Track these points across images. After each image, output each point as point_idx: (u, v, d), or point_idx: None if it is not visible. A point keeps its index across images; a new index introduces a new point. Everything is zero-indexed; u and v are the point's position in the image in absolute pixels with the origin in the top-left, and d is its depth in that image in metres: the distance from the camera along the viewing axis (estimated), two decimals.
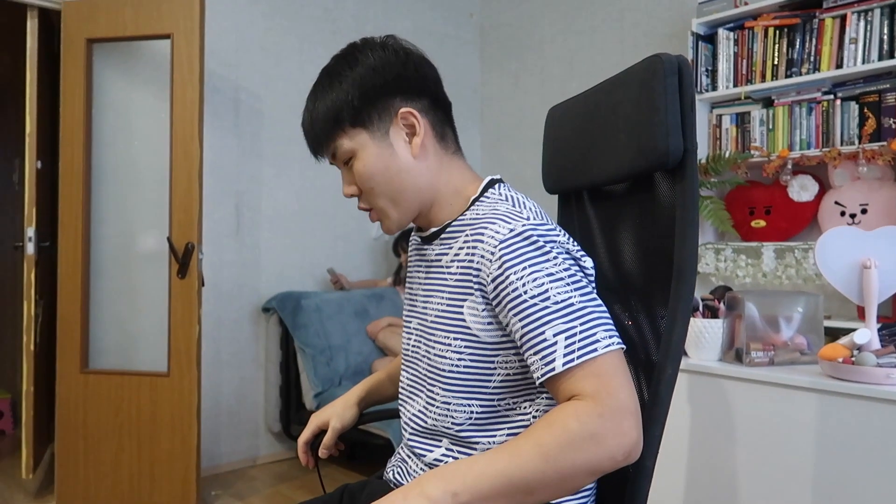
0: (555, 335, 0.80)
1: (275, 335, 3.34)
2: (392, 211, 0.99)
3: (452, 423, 0.95)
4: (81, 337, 2.75)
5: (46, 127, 3.13)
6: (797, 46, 2.72)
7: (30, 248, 2.91)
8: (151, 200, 2.85)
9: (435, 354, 0.96)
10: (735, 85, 2.88)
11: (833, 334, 1.99)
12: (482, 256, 0.88)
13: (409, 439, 1.04)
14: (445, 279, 0.95)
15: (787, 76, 2.73)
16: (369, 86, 0.96)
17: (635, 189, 1.07)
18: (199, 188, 2.69)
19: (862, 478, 1.45)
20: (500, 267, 0.86)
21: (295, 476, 3.17)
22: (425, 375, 0.99)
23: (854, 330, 1.58)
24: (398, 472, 1.07)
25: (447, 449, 0.97)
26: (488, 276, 0.87)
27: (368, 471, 3.09)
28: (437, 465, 0.98)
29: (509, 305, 0.85)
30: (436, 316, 0.96)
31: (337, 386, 3.15)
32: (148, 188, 2.89)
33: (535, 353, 0.82)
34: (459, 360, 0.93)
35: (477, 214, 0.95)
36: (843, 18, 2.59)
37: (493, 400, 0.93)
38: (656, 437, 0.95)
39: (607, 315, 0.84)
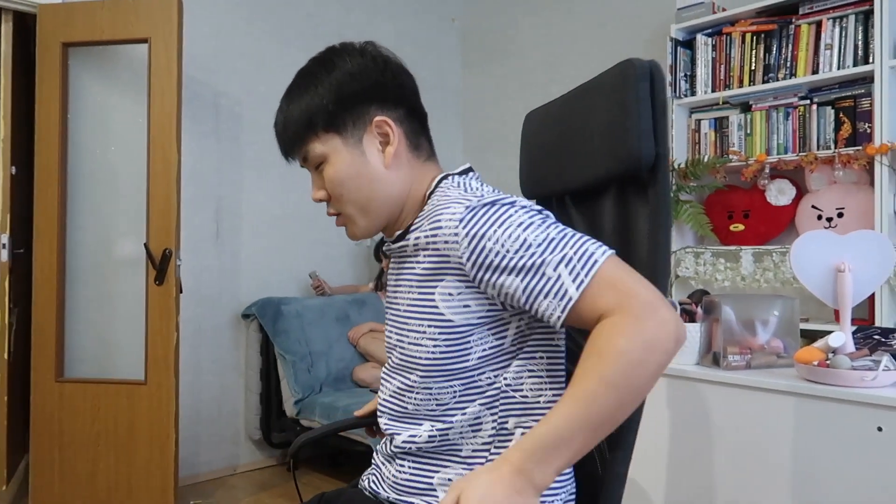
0: (555, 269, 0.81)
1: (255, 342, 3.32)
2: (360, 219, 0.99)
3: (437, 405, 0.94)
4: (57, 345, 2.71)
5: (22, 132, 3.09)
6: (774, 52, 2.74)
7: (3, 255, 2.86)
8: (129, 206, 2.82)
9: (409, 343, 0.95)
10: (713, 90, 2.90)
11: (810, 337, 2.00)
12: (446, 242, 0.88)
13: (385, 425, 1.02)
14: (413, 268, 0.95)
15: (764, 81, 2.76)
16: (346, 91, 0.96)
17: (609, 194, 1.07)
18: (178, 194, 2.67)
19: (837, 479, 1.46)
20: (470, 242, 0.85)
21: (276, 484, 3.14)
22: (400, 365, 0.99)
23: (830, 333, 1.59)
24: (374, 481, 1.06)
25: (430, 427, 0.96)
26: (462, 256, 0.87)
27: (350, 478, 3.06)
28: (410, 447, 0.97)
29: (499, 270, 0.84)
30: (407, 306, 0.96)
31: (318, 392, 3.13)
32: (125, 194, 2.86)
33: (546, 297, 0.82)
34: (435, 346, 0.92)
35: (432, 205, 0.95)
36: (819, 25, 2.62)
37: (473, 376, 0.93)
38: (629, 444, 0.95)
39: (586, 235, 0.85)
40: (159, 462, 2.63)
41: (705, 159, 2.86)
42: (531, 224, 0.85)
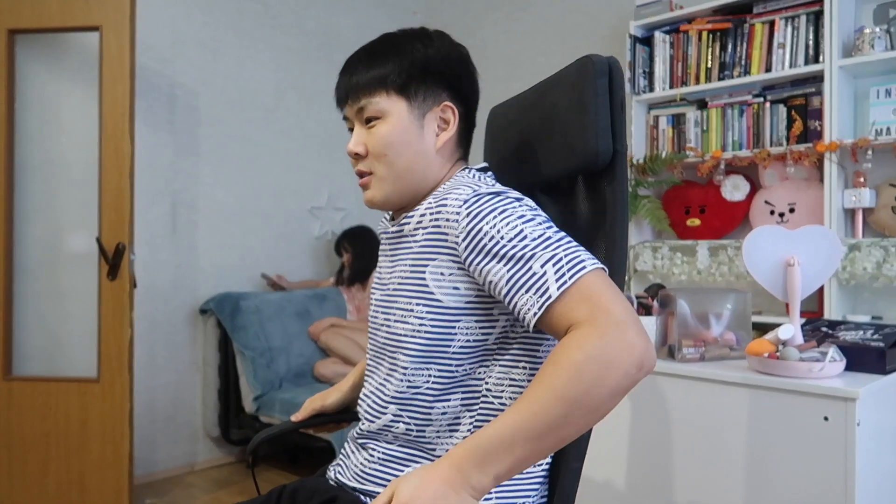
0: (542, 266, 0.81)
1: (213, 337, 3.26)
2: (389, 184, 0.99)
3: (408, 387, 0.94)
4: (4, 342, 2.62)
5: None
6: (729, 50, 2.80)
7: None
8: (80, 199, 2.74)
9: (395, 321, 0.95)
10: (671, 87, 2.95)
11: (762, 329, 2.06)
12: (447, 220, 0.89)
13: (364, 412, 1.01)
14: (410, 247, 0.96)
15: (719, 79, 2.81)
16: (433, 68, 0.98)
17: (569, 190, 1.08)
18: (131, 187, 2.60)
19: (786, 467, 1.50)
20: (469, 222, 0.87)
21: (235, 481, 3.10)
22: (384, 345, 0.98)
23: (781, 325, 1.63)
24: (339, 471, 1.05)
25: (394, 415, 0.95)
26: (458, 236, 0.88)
27: (309, 474, 3.05)
28: (385, 435, 0.96)
29: (490, 255, 0.85)
30: (398, 283, 0.96)
31: (277, 388, 3.09)
32: (76, 186, 2.78)
33: (527, 291, 0.81)
34: (421, 325, 0.92)
35: (443, 189, 0.97)
36: (772, 24, 2.68)
37: (451, 365, 0.92)
38: (584, 441, 0.95)
39: (583, 247, 0.86)
40: (113, 461, 2.57)
41: (663, 155, 2.90)
42: (532, 220, 0.86)
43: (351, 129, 1.03)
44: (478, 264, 0.86)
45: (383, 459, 0.97)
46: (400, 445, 0.96)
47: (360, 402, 1.05)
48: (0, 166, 2.63)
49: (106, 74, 2.59)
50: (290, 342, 3.22)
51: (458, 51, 1.03)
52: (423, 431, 0.94)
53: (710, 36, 2.84)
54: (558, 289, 0.79)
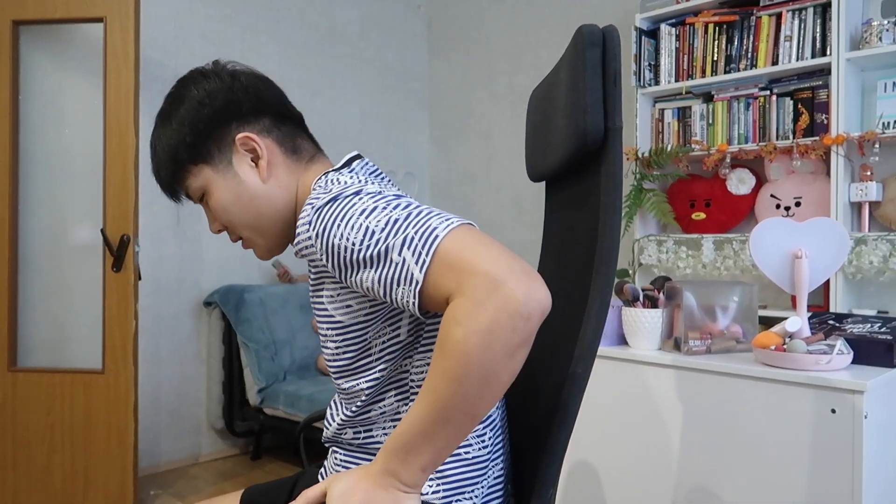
0: (399, 254, 0.75)
1: (217, 330, 3.26)
2: (258, 239, 0.98)
3: (345, 400, 0.94)
4: (9, 333, 2.63)
5: None
6: (735, 43, 2.78)
7: None
8: (85, 191, 2.74)
9: (323, 347, 0.95)
10: (677, 80, 2.94)
11: (768, 324, 2.05)
12: (307, 247, 0.84)
13: (326, 419, 1.03)
14: (309, 275, 0.94)
15: (725, 72, 2.80)
16: (198, 119, 0.94)
17: (571, 177, 1.05)
18: (135, 179, 2.60)
19: (793, 460, 1.49)
20: (322, 244, 0.81)
21: (239, 473, 3.11)
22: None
23: (787, 318, 1.62)
24: (322, 472, 1.06)
25: (339, 424, 0.95)
26: (321, 257, 0.83)
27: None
28: (338, 439, 0.97)
29: (352, 266, 0.79)
30: (315, 314, 0.95)
31: (281, 381, 3.10)
32: (81, 179, 2.78)
33: (398, 284, 0.75)
34: (336, 347, 0.91)
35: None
36: (779, 17, 2.66)
37: (376, 370, 0.90)
38: (562, 444, 0.89)
39: (438, 210, 0.79)
40: (118, 453, 2.58)
41: (668, 148, 2.89)
42: (374, 209, 0.79)
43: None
44: (350, 278, 0.80)
45: (344, 460, 0.97)
46: (353, 453, 0.96)
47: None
48: (5, 158, 2.63)
49: (110, 66, 2.59)
50: (293, 335, 3.22)
51: (212, 80, 0.96)
52: (371, 433, 0.94)
53: (717, 28, 2.83)
54: (420, 271, 0.73)
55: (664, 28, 2.95)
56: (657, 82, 2.98)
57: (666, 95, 3.00)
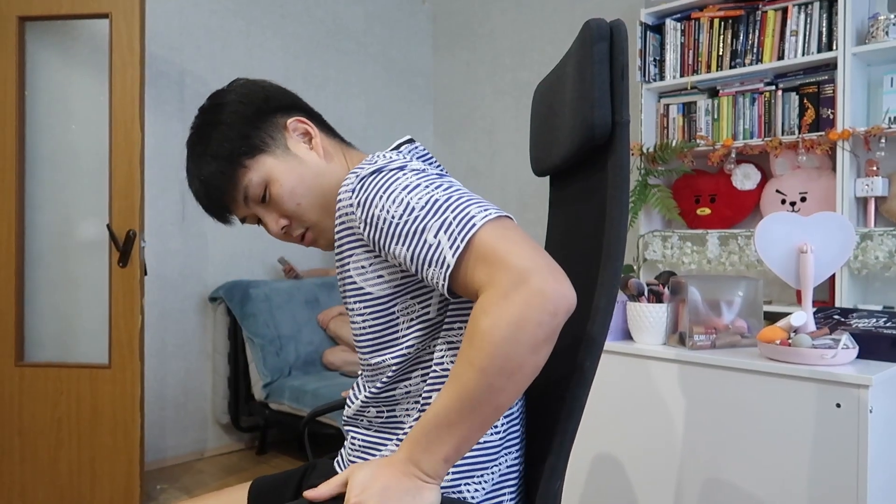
0: (435, 236, 0.77)
1: (222, 325, 3.27)
2: (326, 221, 0.97)
3: (371, 374, 0.94)
4: (16, 328, 2.64)
5: None
6: (741, 38, 2.77)
7: None
8: (91, 187, 2.75)
9: (351, 322, 0.95)
10: (682, 75, 2.93)
11: (773, 318, 2.05)
12: (347, 214, 0.87)
13: (348, 398, 1.03)
14: (338, 248, 0.94)
15: (731, 67, 2.79)
16: (244, 115, 0.96)
17: (578, 172, 1.06)
18: (141, 174, 2.61)
19: (798, 454, 1.49)
20: (362, 212, 0.84)
21: (244, 468, 3.12)
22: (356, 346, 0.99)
23: (792, 313, 1.62)
24: (338, 460, 1.06)
25: (363, 400, 0.95)
26: (360, 225, 0.85)
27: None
28: (360, 420, 0.97)
29: (389, 237, 0.81)
30: (341, 287, 0.95)
31: (287, 376, 3.11)
32: (87, 174, 2.79)
33: (430, 265, 0.78)
34: (364, 321, 0.92)
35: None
36: (785, 11, 2.65)
37: (403, 347, 0.91)
38: (569, 437, 0.89)
39: (477, 197, 0.82)
40: (124, 447, 2.59)
41: (673, 143, 2.88)
42: (417, 186, 0.81)
43: (246, 221, 1.01)
44: (385, 248, 0.83)
45: (362, 446, 0.97)
46: (375, 431, 0.96)
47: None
48: (11, 154, 2.64)
49: (116, 61, 2.60)
50: (299, 330, 3.23)
51: (243, 87, 1.00)
52: (393, 412, 0.94)
53: (722, 23, 2.82)
54: (453, 256, 0.76)
55: (669, 23, 2.95)
56: (662, 77, 2.98)
57: (671, 91, 3.00)
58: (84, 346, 2.75)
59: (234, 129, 0.94)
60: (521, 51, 3.85)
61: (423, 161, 0.97)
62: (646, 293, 1.83)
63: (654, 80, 2.98)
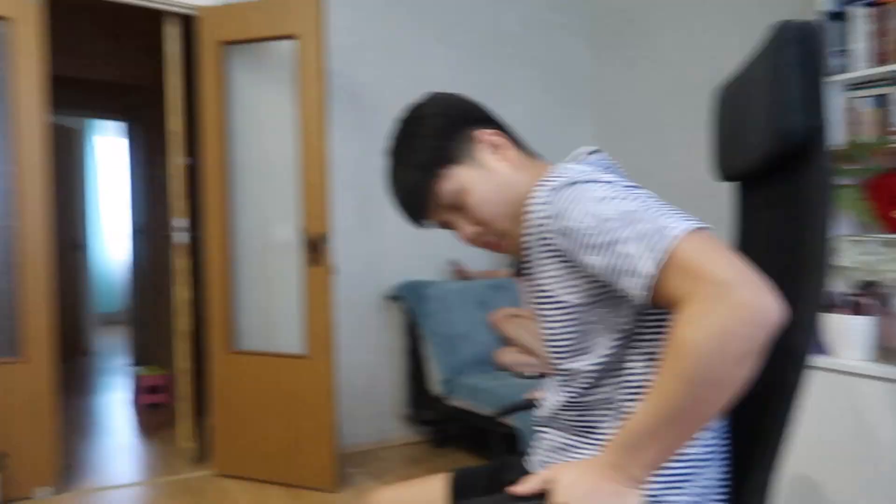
0: (629, 246, 0.80)
1: (400, 323, 3.48)
2: (515, 228, 1.00)
3: (567, 380, 0.98)
4: (228, 320, 2.96)
5: (186, 126, 3.36)
6: None
7: (181, 238, 3.16)
8: (283, 194, 3.00)
9: (542, 328, 1.00)
10: (872, 65, 2.73)
11: None
12: (540, 225, 0.91)
13: (543, 400, 1.07)
14: (532, 258, 0.98)
15: None
16: (443, 127, 1.02)
17: (769, 173, 1.01)
18: (328, 182, 2.82)
19: None
20: (556, 220, 0.88)
21: (427, 459, 3.26)
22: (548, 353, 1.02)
23: None
24: (530, 458, 1.11)
25: (559, 403, 0.99)
26: (555, 236, 0.89)
27: (491, 458, 3.16)
28: (551, 422, 1.01)
29: (584, 248, 0.85)
30: (535, 295, 0.99)
31: (462, 374, 3.20)
32: (280, 182, 3.04)
33: (626, 276, 0.80)
34: (558, 327, 0.96)
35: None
36: None
37: (599, 355, 0.93)
38: (774, 454, 0.89)
39: (672, 207, 0.83)
40: (321, 430, 2.83)
41: (864, 140, 2.70)
42: (611, 198, 0.84)
43: (441, 226, 1.07)
44: (581, 259, 0.86)
45: (556, 447, 1.01)
46: (569, 434, 1.00)
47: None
48: (220, 166, 2.95)
49: (303, 78, 2.82)
50: (472, 329, 3.33)
51: (439, 100, 1.06)
52: (588, 417, 0.97)
53: None
54: (655, 266, 0.77)
55: (854, 9, 2.75)
56: (848, 68, 2.79)
57: (860, 83, 2.80)
58: (282, 337, 3.03)
59: (431, 141, 1.01)
60: (688, 46, 3.73)
61: (610, 171, 0.99)
62: (845, 304, 1.76)
63: (838, 72, 2.80)
